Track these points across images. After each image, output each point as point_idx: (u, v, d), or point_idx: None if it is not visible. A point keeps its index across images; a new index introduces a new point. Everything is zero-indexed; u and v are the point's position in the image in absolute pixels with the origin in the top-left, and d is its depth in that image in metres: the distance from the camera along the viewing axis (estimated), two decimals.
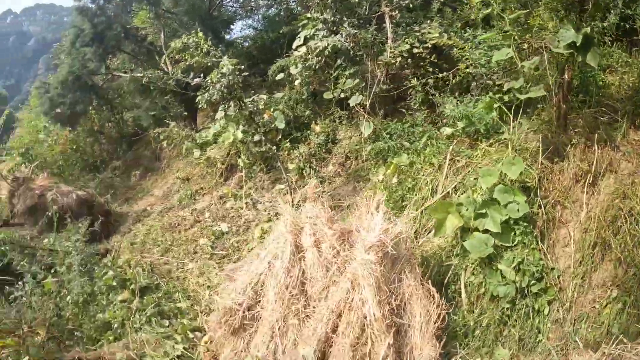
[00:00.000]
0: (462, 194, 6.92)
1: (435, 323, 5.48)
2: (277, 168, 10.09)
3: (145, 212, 11.37)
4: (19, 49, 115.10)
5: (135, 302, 6.30)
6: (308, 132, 10.52)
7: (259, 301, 5.59)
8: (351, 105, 9.43)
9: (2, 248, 8.59)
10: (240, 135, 10.18)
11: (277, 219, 8.85)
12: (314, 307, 5.36)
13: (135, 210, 11.74)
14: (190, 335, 5.80)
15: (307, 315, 5.37)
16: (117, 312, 6.25)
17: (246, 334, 5.41)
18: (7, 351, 6.42)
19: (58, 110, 14.02)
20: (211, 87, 8.31)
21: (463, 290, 6.14)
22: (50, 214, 10.05)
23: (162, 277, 7.57)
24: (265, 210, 9.53)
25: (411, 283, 5.60)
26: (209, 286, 7.37)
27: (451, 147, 7.48)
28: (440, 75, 9.14)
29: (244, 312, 5.41)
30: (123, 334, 6.05)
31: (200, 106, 8.90)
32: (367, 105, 9.32)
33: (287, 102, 11.05)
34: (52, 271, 7.29)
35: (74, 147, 15.59)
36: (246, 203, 9.91)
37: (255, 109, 8.66)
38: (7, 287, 7.31)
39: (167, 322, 6.05)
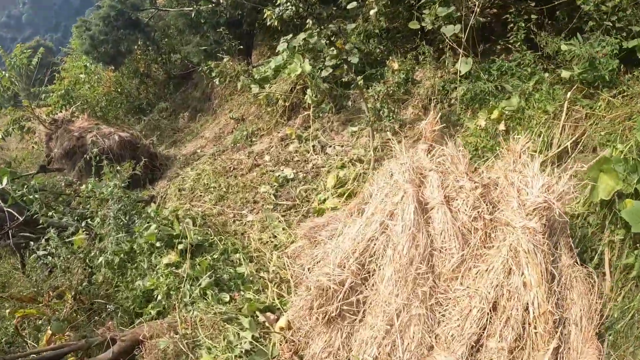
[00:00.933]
0: (581, 150, 5.58)
1: (596, 318, 3.88)
2: (348, 108, 8.76)
3: (195, 155, 9.94)
4: (66, 1, 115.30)
5: (185, 266, 4.82)
6: (383, 69, 8.77)
7: (365, 279, 3.97)
8: (446, 35, 7.58)
9: (30, 196, 7.26)
10: (308, 68, 8.64)
11: (352, 165, 7.40)
12: (445, 291, 3.73)
13: (184, 153, 10.32)
14: (260, 317, 4.28)
15: (438, 302, 3.75)
16: (161, 279, 4.81)
17: (345, 324, 3.85)
18: (28, 322, 5.16)
19: (101, 49, 12.77)
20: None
21: (608, 273, 4.40)
22: (88, 156, 8.76)
23: (216, 231, 6.07)
24: (336, 155, 7.96)
25: (568, 262, 3.92)
26: (275, 246, 5.85)
27: (569, 94, 6.10)
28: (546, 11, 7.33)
29: (345, 294, 3.80)
30: (168, 307, 4.62)
31: (269, 23, 7.34)
32: (464, 39, 7.47)
33: (359, 35, 9.40)
34: (84, 224, 5.92)
35: (118, 88, 14.32)
36: (313, 146, 8.36)
37: (331, 35, 6.94)
38: (32, 244, 6.00)
39: (226, 296, 4.56)
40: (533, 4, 7.36)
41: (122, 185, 6.51)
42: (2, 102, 11.87)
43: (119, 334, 4.45)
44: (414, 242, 3.86)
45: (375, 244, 4.04)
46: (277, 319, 4.27)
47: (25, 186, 7.59)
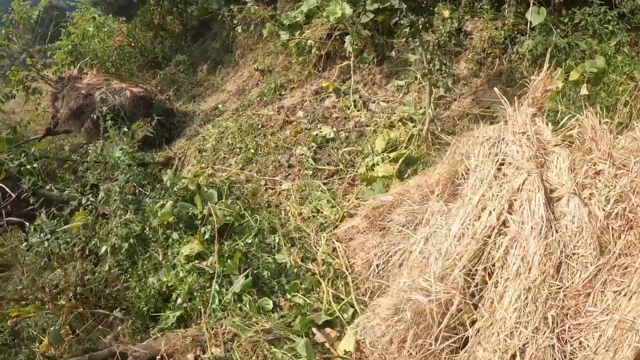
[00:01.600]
0: None
1: None
2: (392, 59, 7.59)
3: (216, 110, 8.75)
4: None
5: (212, 261, 3.70)
6: (432, 17, 7.46)
7: (473, 294, 2.86)
8: None
9: (29, 167, 6.18)
10: (349, 11, 7.31)
11: (402, 124, 6.29)
12: (575, 314, 2.57)
13: (203, 109, 9.13)
14: (317, 336, 3.15)
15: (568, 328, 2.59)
16: (181, 275, 3.70)
17: (444, 356, 2.70)
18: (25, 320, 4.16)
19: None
20: None
21: None
22: (95, 116, 7.64)
23: (245, 203, 4.93)
24: (381, 112, 6.79)
25: None
26: (321, 224, 4.71)
27: None
28: None
29: (456, 313, 2.64)
30: (191, 311, 3.54)
31: None
32: None
33: None
34: (84, 201, 4.82)
35: (131, 42, 13.10)
36: (354, 101, 7.14)
37: None
38: (27, 225, 4.95)
39: (269, 303, 3.43)
40: None
41: (133, 149, 5.40)
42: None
43: (131, 347, 3.39)
44: (548, 248, 2.66)
45: (490, 248, 2.85)
46: (339, 337, 3.16)
47: (24, 155, 6.53)
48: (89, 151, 6.70)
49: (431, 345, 2.71)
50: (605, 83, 5.55)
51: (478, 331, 2.84)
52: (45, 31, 14.48)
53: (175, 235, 4.04)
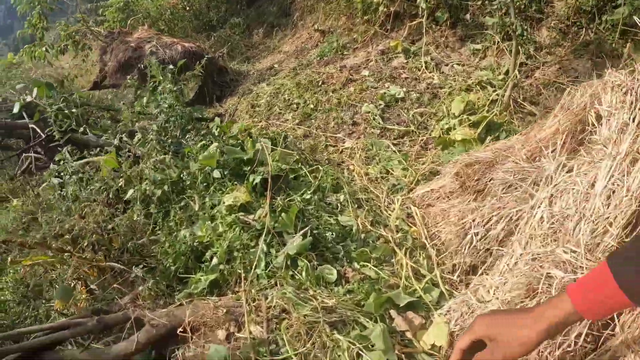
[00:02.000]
0: None
1: None
2: (466, 22, 6.72)
3: (272, 70, 8.00)
4: None
5: (261, 214, 2.93)
6: None
7: None
8: None
9: (66, 111, 5.59)
10: None
11: (481, 89, 5.47)
12: None
13: (258, 69, 8.40)
14: (397, 321, 2.32)
15: None
16: (220, 230, 2.94)
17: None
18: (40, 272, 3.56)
19: None
20: None
21: None
22: (142, 65, 7.03)
23: (303, 158, 4.14)
24: (456, 75, 5.93)
25: None
26: (394, 186, 3.90)
27: None
28: None
29: None
30: (229, 275, 2.78)
31: None
32: None
33: None
34: (117, 142, 4.14)
35: (185, 5, 12.50)
36: (425, 62, 6.22)
37: None
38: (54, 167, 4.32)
39: (332, 272, 2.62)
40: None
41: (180, 102, 4.71)
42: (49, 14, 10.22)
43: (149, 313, 2.67)
44: None
45: None
46: (423, 325, 2.33)
47: (65, 101, 5.96)
48: (134, 104, 6.14)
49: (574, 344, 1.88)
50: None
51: (623, 327, 2.00)
52: None
53: (216, 174, 3.27)
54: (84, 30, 10.17)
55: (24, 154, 5.14)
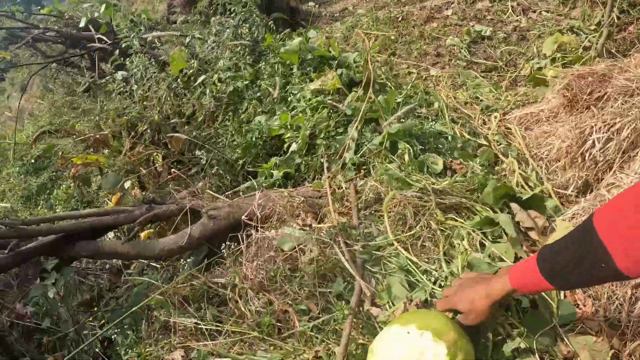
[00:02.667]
0: None
1: None
2: None
3: (345, 11, 7.58)
4: None
5: (353, 97, 2.56)
6: None
7: None
8: None
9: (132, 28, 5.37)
10: None
11: (573, 33, 4.94)
12: None
13: (331, 11, 7.99)
14: (520, 216, 1.91)
15: None
16: (304, 113, 2.60)
17: None
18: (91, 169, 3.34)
19: None
20: None
21: None
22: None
23: (387, 78, 3.74)
24: (545, 21, 5.41)
25: None
26: (488, 107, 3.47)
27: None
28: None
29: None
30: (307, 171, 2.44)
31: None
32: None
33: None
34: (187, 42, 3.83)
35: None
36: (511, 7, 5.68)
37: None
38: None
39: (438, 162, 2.20)
40: None
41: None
42: None
43: (207, 204, 2.37)
44: None
45: None
46: (545, 229, 1.93)
47: (132, 21, 5.74)
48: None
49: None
50: None
51: None
52: None
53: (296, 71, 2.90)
54: None
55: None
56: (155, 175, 2.98)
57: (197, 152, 2.60)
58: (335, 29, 6.25)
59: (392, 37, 5.12)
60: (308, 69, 2.97)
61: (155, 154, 2.89)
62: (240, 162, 2.66)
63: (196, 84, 3.10)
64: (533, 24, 5.42)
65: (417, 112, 3.09)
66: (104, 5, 5.87)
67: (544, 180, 2.49)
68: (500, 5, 5.91)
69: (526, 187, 2.33)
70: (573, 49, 4.63)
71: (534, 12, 5.83)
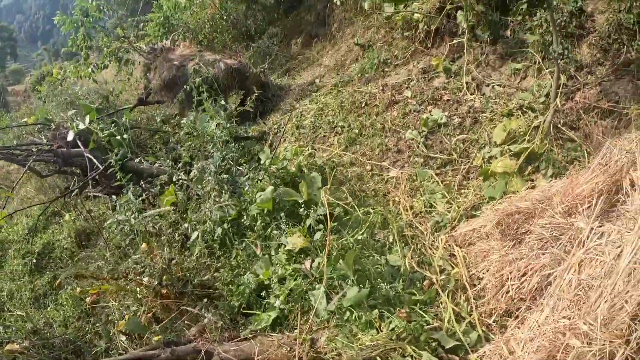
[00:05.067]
0: None
1: None
2: (506, 39, 6.67)
3: (313, 85, 8.16)
4: None
5: (319, 263, 3.11)
6: None
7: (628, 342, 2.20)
8: None
9: (118, 137, 5.86)
10: None
11: (522, 113, 5.52)
12: None
13: (299, 83, 8.57)
14: None
15: None
16: (280, 272, 3.14)
17: None
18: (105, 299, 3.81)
19: None
20: None
21: None
22: (188, 87, 7.30)
23: (351, 190, 4.30)
24: (497, 98, 5.94)
25: None
26: (437, 223, 4.03)
27: None
28: None
29: None
30: (290, 313, 2.99)
31: None
32: None
33: None
34: (176, 179, 4.36)
35: (224, 14, 12.73)
36: (467, 83, 6.28)
37: None
38: (114, 199, 4.57)
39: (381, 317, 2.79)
40: None
41: (229, 123, 4.91)
42: (93, 33, 10.59)
43: (218, 346, 2.89)
44: None
45: None
46: None
47: (114, 125, 6.24)
48: (182, 123, 6.40)
49: None
50: None
51: None
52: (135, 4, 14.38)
53: (275, 231, 3.47)
54: (126, 47, 10.47)
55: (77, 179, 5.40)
56: (167, 309, 3.50)
57: (202, 303, 3.14)
58: (304, 111, 6.78)
59: (356, 131, 5.66)
60: (281, 214, 3.52)
61: (167, 294, 3.40)
62: (237, 305, 3.21)
63: (191, 241, 3.63)
64: (486, 102, 5.89)
65: (376, 238, 3.64)
66: (87, 117, 6.34)
67: (474, 309, 3.07)
68: (456, 82, 6.44)
69: (455, 321, 2.91)
70: (522, 133, 5.15)
71: (488, 86, 6.32)
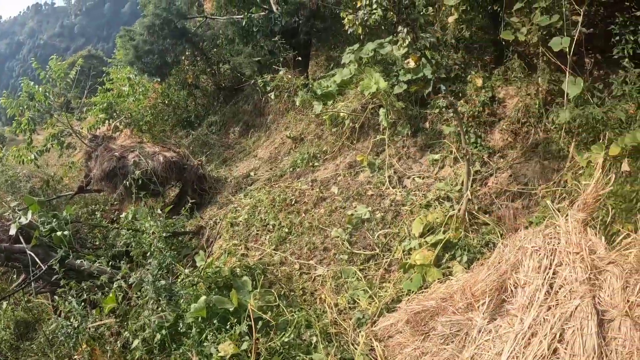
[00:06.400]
0: None
1: None
2: (425, 131, 7.39)
3: (248, 178, 8.70)
4: (116, 12, 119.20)
5: None
6: (463, 86, 7.36)
7: None
8: (554, 49, 6.16)
9: (59, 233, 6.14)
10: (384, 84, 7.36)
11: (439, 204, 6.13)
12: None
13: (235, 175, 9.10)
14: None
15: None
16: None
17: None
18: None
19: (146, 59, 11.86)
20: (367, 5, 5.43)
21: None
22: (128, 182, 7.69)
23: (279, 289, 4.78)
24: (417, 189, 6.59)
25: None
26: (358, 319, 4.54)
27: None
28: None
29: None
30: None
31: (350, 30, 6.10)
32: (570, 55, 6.08)
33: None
34: (116, 285, 4.70)
35: (165, 101, 13.31)
36: (389, 177, 6.94)
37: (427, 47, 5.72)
38: (55, 300, 4.85)
39: None
40: None
41: (164, 233, 5.33)
42: (37, 117, 10.87)
43: None
44: None
45: None
46: None
47: (56, 219, 6.51)
48: (121, 218, 6.75)
49: None
50: None
51: None
52: (83, 83, 14.71)
53: (209, 337, 3.87)
54: (68, 131, 10.75)
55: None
56: None
57: None
58: (239, 205, 7.27)
59: (286, 230, 6.18)
60: (215, 321, 3.94)
61: None
62: None
63: (134, 346, 3.98)
64: (407, 195, 6.49)
65: (302, 338, 4.09)
66: (29, 212, 6.59)
67: None
68: (380, 176, 7.06)
69: None
70: (438, 224, 5.76)
71: (409, 178, 6.95)
